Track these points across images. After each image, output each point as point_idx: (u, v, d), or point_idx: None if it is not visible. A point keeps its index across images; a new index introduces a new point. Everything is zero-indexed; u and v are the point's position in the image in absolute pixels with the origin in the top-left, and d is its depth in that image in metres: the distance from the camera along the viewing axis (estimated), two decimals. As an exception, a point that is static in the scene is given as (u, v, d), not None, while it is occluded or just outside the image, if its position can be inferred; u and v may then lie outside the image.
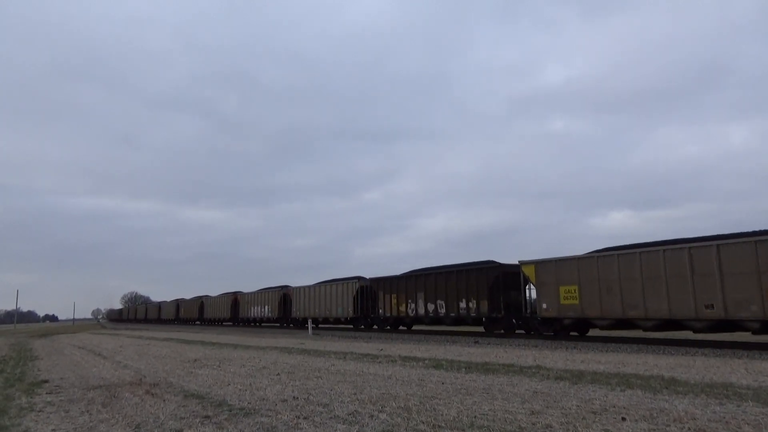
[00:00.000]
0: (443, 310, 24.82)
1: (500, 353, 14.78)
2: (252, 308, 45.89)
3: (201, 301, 59.04)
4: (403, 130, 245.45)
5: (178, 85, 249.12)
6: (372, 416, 6.47)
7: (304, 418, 6.53)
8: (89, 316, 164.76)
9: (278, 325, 42.28)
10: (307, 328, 33.13)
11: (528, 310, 21.80)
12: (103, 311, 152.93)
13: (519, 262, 20.98)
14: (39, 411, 7.82)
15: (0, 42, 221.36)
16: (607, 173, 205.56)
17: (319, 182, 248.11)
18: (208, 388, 9.20)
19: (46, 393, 9.63)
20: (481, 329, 24.66)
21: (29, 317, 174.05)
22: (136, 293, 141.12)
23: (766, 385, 8.11)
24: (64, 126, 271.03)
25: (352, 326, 32.99)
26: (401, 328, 29.71)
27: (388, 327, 29.50)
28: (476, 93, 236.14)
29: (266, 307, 43.37)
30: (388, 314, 28.59)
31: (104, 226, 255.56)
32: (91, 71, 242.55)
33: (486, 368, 10.92)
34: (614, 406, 6.64)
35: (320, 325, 36.69)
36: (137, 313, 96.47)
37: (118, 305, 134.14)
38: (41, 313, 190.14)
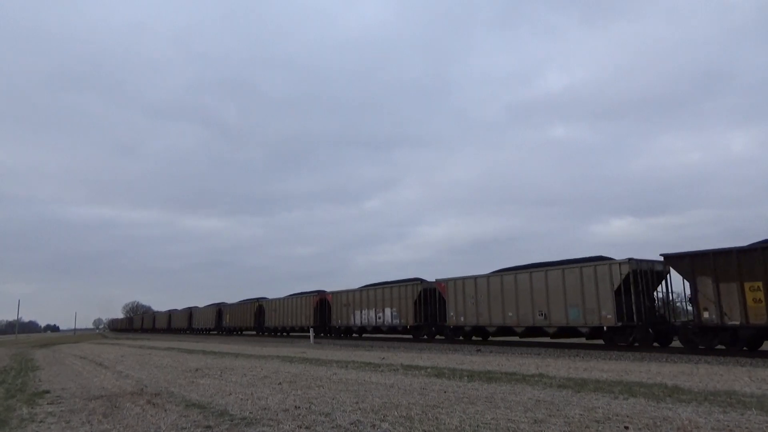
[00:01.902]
0: None
1: (502, 362, 14.73)
2: (356, 314, 31.78)
3: (259, 305, 44.75)
4: (404, 137, 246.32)
5: (177, 94, 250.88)
6: (374, 425, 6.45)
7: (306, 427, 6.51)
8: (91, 325, 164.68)
9: (410, 337, 28.89)
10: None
11: None
12: (105, 321, 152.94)
13: None
14: (40, 422, 7.80)
15: None
16: (608, 180, 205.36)
17: (320, 190, 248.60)
18: (209, 398, 9.18)
19: (48, 403, 9.61)
20: None
21: (30, 327, 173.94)
22: (138, 302, 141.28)
23: (770, 393, 8.06)
24: (64, 135, 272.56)
25: (603, 341, 19.40)
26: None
27: (720, 346, 15.80)
28: (476, 100, 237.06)
29: (388, 310, 29.34)
30: (739, 320, 14.77)
31: (105, 235, 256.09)
32: (91, 80, 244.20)
33: (488, 377, 10.88)
34: (617, 415, 6.61)
35: (524, 339, 22.62)
36: (156, 322, 78.84)
37: (119, 315, 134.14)
38: (42, 324, 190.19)
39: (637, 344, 18.22)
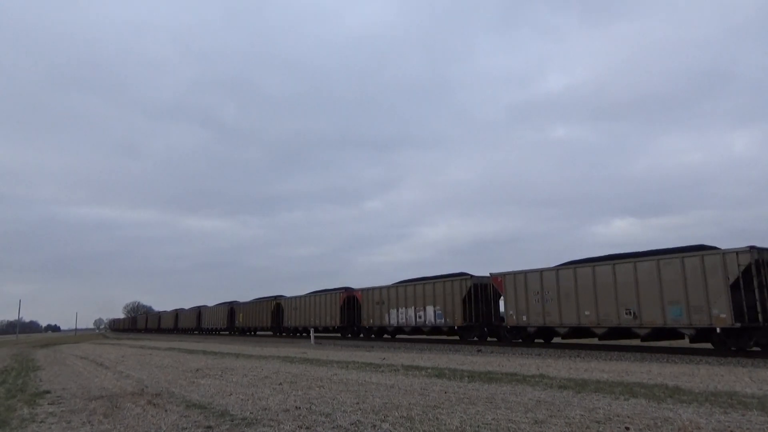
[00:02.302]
0: None
1: (503, 362, 14.72)
2: (391, 313, 28.64)
3: (277, 303, 41.63)
4: (404, 137, 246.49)
5: (177, 93, 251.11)
6: (374, 426, 6.44)
7: (307, 428, 6.51)
8: (92, 326, 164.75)
9: (457, 339, 25.34)
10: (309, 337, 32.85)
11: None
12: (105, 321, 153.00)
13: None
14: (41, 422, 7.80)
15: None
16: (609, 181, 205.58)
17: (320, 190, 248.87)
18: (210, 398, 9.18)
19: (48, 403, 9.61)
20: None
21: (31, 327, 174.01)
22: (139, 302, 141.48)
23: (771, 394, 8.05)
24: (65, 135, 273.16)
25: (712, 345, 16.70)
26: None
27: None
28: (477, 100, 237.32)
29: (430, 309, 26.17)
30: None
31: (105, 235, 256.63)
32: (91, 80, 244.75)
33: (489, 377, 10.87)
34: (618, 416, 6.60)
35: (604, 342, 19.50)
36: (161, 322, 75.12)
37: (120, 315, 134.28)
38: (43, 324, 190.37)
39: (758, 349, 15.48)
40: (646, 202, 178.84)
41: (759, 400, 7.47)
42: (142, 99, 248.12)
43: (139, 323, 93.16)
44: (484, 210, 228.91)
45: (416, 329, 27.27)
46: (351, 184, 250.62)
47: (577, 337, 20.08)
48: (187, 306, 67.58)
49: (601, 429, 5.94)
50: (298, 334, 39.43)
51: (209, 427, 6.79)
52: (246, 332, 48.16)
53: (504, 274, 22.30)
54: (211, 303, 59.87)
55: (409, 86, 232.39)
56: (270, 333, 43.97)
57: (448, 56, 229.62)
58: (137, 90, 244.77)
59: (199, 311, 59.52)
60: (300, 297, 38.81)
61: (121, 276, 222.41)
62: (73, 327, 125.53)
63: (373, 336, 30.81)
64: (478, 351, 20.14)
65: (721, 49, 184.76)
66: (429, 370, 12.56)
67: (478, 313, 24.18)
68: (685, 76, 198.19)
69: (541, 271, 20.72)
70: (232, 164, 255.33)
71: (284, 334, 41.13)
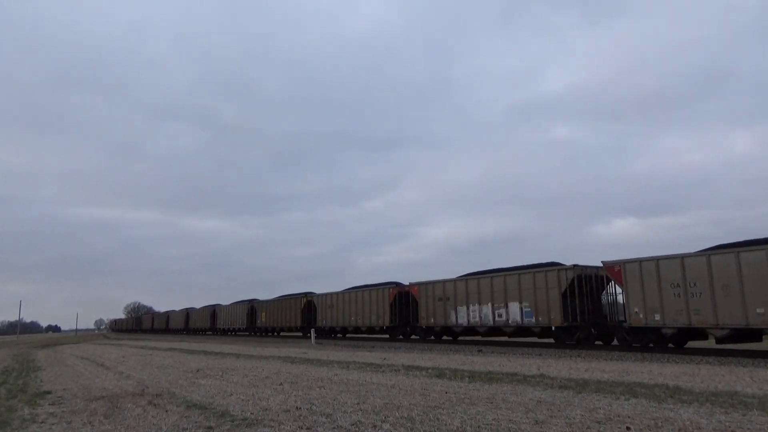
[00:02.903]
0: None
1: (504, 362, 14.72)
2: (459, 310, 24.65)
3: (308, 300, 38.12)
4: (405, 137, 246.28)
5: (177, 93, 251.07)
6: (375, 426, 6.45)
7: (307, 428, 6.51)
8: (92, 326, 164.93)
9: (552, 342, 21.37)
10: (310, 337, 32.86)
11: None
12: (106, 321, 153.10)
13: None
14: (41, 422, 7.81)
15: None
16: (610, 181, 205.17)
17: (320, 190, 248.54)
18: (210, 399, 9.18)
19: (49, 404, 9.63)
20: None
21: (32, 328, 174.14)
22: (139, 303, 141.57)
23: (772, 394, 8.04)
24: (65, 136, 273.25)
25: None
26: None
27: None
28: (478, 100, 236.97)
29: (514, 305, 21.93)
30: None
31: (106, 236, 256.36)
32: (91, 79, 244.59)
33: (489, 377, 10.87)
34: (619, 416, 6.60)
35: None
36: (170, 322, 69.45)
37: (121, 315, 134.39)
38: (44, 324, 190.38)
39: None
40: (647, 202, 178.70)
41: (760, 400, 7.46)
42: (142, 99, 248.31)
43: (144, 323, 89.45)
44: (484, 210, 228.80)
45: (495, 329, 23.13)
46: (351, 184, 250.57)
47: (740, 342, 16.09)
48: (189, 306, 67.15)
49: (601, 429, 5.94)
50: (333, 335, 35.82)
51: (210, 427, 6.79)
52: (269, 333, 44.67)
53: (624, 262, 18.12)
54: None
55: (410, 86, 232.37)
56: (299, 334, 39.82)
57: (448, 56, 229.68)
58: (137, 90, 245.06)
59: (213, 310, 55.99)
60: (337, 293, 34.78)
61: (121, 276, 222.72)
62: (74, 327, 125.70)
63: (432, 338, 27.02)
64: (479, 351, 20.17)
65: (721, 49, 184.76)
66: (430, 371, 12.56)
67: (582, 310, 19.99)
68: (685, 75, 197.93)
69: (681, 258, 16.50)
70: (232, 164, 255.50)
71: (317, 334, 36.50)
